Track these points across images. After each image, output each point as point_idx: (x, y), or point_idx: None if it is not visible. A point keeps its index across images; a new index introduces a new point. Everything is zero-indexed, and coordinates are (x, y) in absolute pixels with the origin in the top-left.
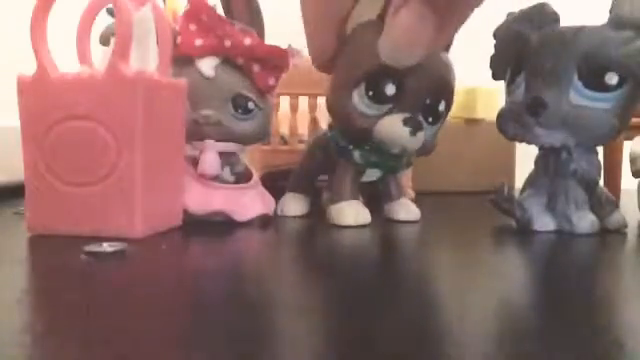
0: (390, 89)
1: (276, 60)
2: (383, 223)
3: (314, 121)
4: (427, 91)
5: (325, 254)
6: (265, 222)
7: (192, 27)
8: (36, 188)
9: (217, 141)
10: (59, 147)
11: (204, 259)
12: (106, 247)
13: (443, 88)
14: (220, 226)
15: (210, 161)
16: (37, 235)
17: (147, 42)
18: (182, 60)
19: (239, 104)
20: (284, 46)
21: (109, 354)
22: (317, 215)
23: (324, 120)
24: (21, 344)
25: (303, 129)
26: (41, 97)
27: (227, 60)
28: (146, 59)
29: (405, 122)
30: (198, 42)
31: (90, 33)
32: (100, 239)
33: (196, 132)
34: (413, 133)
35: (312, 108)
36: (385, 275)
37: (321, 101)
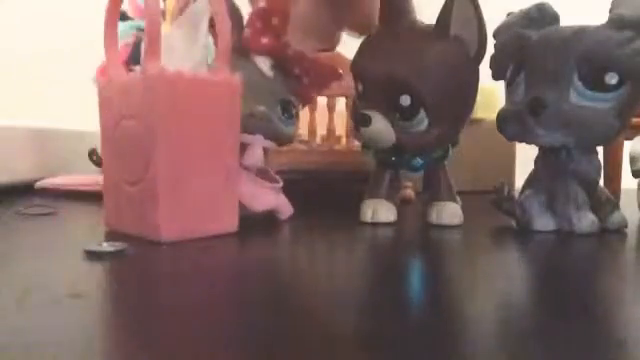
0: (359, 87)
1: (326, 80)
2: (406, 223)
3: (313, 122)
4: (382, 88)
5: (322, 255)
6: (271, 224)
7: (259, 24)
8: (108, 186)
9: (264, 137)
10: (119, 146)
11: (203, 259)
12: (106, 247)
13: (403, 84)
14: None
15: (257, 155)
16: (38, 235)
17: (197, 35)
18: (237, 54)
19: (286, 108)
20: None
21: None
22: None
23: (323, 121)
24: (21, 344)
25: (303, 129)
26: (110, 99)
27: (279, 64)
28: (195, 53)
29: (353, 119)
30: (264, 40)
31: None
32: (139, 240)
33: (249, 125)
34: (356, 128)
35: (312, 109)
36: (385, 274)
37: (321, 101)
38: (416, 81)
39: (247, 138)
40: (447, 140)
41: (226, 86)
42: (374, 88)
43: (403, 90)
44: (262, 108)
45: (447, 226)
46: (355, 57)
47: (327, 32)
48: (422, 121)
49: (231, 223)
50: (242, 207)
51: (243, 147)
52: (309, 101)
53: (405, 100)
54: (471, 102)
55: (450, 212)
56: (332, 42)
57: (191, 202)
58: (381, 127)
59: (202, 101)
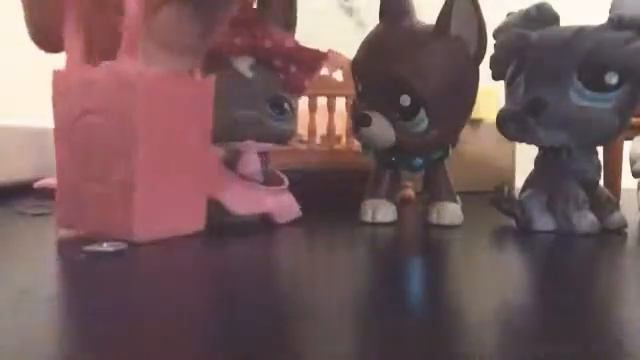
0: (359, 87)
1: (313, 63)
2: (406, 223)
3: (313, 122)
4: (383, 88)
5: (321, 255)
6: (272, 224)
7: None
8: (64, 184)
9: (257, 141)
10: (80, 142)
11: (203, 259)
12: (106, 247)
13: (403, 84)
14: (229, 230)
15: (253, 162)
16: (41, 234)
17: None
18: (216, 58)
19: (277, 104)
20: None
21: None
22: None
23: (323, 121)
24: (21, 344)
25: (303, 129)
26: (68, 92)
27: (260, 60)
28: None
29: (353, 119)
30: (236, 40)
31: None
32: (112, 240)
33: (236, 132)
34: (356, 129)
35: (312, 109)
36: (385, 274)
37: (322, 102)
38: (416, 81)
39: (237, 146)
40: (447, 140)
41: (200, 86)
42: (374, 88)
43: (403, 90)
44: (245, 112)
45: (447, 226)
46: (355, 57)
47: (191, 49)
48: (422, 121)
49: (198, 221)
50: (225, 210)
51: (238, 155)
52: (302, 90)
53: (405, 100)
54: (471, 102)
55: (450, 212)
56: (195, 62)
57: (163, 201)
58: (381, 127)
59: (178, 101)
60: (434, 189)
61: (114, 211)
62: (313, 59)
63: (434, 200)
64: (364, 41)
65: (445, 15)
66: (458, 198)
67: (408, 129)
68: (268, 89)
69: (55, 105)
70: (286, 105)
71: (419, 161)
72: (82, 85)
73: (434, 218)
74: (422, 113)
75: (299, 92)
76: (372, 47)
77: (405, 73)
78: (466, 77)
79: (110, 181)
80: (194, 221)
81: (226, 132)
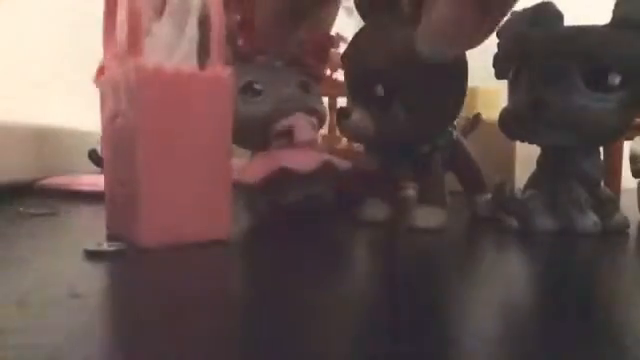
0: (346, 80)
1: (323, 48)
2: (403, 223)
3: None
4: (361, 79)
5: (320, 255)
6: (270, 224)
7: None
8: (109, 188)
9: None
10: (113, 145)
11: (204, 261)
12: (106, 247)
13: (375, 74)
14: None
15: (306, 126)
16: (39, 235)
17: (185, 26)
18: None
19: (305, 87)
20: None
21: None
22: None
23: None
24: (20, 346)
25: None
26: (105, 96)
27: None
28: (182, 45)
29: (336, 113)
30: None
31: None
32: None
33: (286, 109)
34: (338, 121)
35: None
36: (384, 275)
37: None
38: (388, 70)
39: (289, 120)
40: (428, 133)
41: (215, 82)
42: (355, 80)
43: (377, 80)
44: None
45: (430, 230)
46: (344, 50)
47: (469, 39)
48: (398, 112)
49: (222, 230)
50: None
51: (290, 132)
52: (322, 78)
53: (379, 90)
54: (455, 94)
55: (426, 215)
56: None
57: (176, 206)
58: (359, 119)
59: (188, 98)
60: (420, 189)
61: (127, 215)
62: (322, 45)
63: (419, 202)
64: (355, 34)
65: (416, 5)
66: (447, 200)
67: (386, 120)
68: (296, 75)
69: (102, 109)
70: (312, 87)
71: (404, 157)
72: (113, 88)
73: (413, 221)
74: (397, 103)
75: (320, 78)
76: (357, 39)
77: (377, 63)
78: (445, 68)
79: (124, 184)
80: (215, 229)
81: (282, 110)
